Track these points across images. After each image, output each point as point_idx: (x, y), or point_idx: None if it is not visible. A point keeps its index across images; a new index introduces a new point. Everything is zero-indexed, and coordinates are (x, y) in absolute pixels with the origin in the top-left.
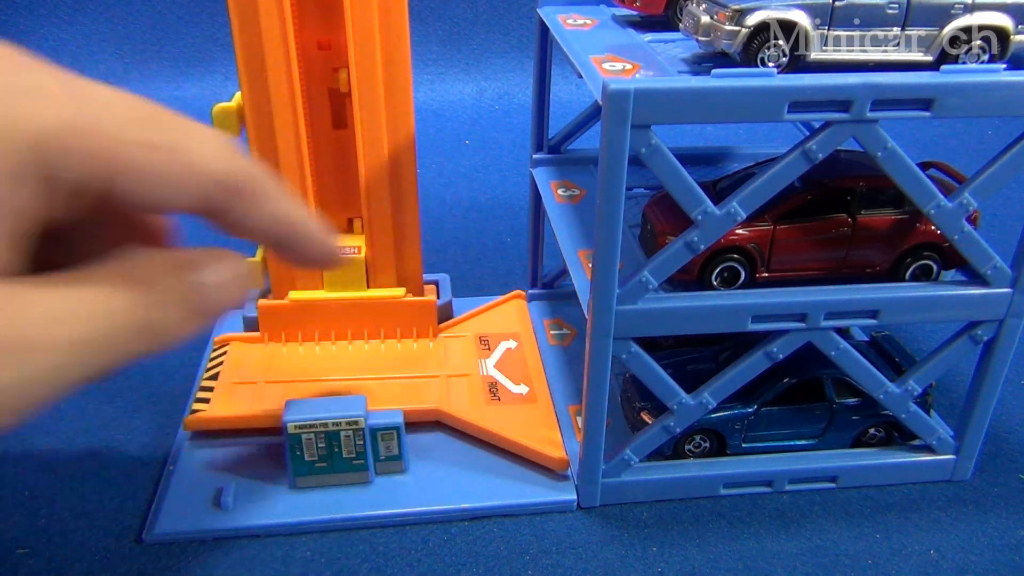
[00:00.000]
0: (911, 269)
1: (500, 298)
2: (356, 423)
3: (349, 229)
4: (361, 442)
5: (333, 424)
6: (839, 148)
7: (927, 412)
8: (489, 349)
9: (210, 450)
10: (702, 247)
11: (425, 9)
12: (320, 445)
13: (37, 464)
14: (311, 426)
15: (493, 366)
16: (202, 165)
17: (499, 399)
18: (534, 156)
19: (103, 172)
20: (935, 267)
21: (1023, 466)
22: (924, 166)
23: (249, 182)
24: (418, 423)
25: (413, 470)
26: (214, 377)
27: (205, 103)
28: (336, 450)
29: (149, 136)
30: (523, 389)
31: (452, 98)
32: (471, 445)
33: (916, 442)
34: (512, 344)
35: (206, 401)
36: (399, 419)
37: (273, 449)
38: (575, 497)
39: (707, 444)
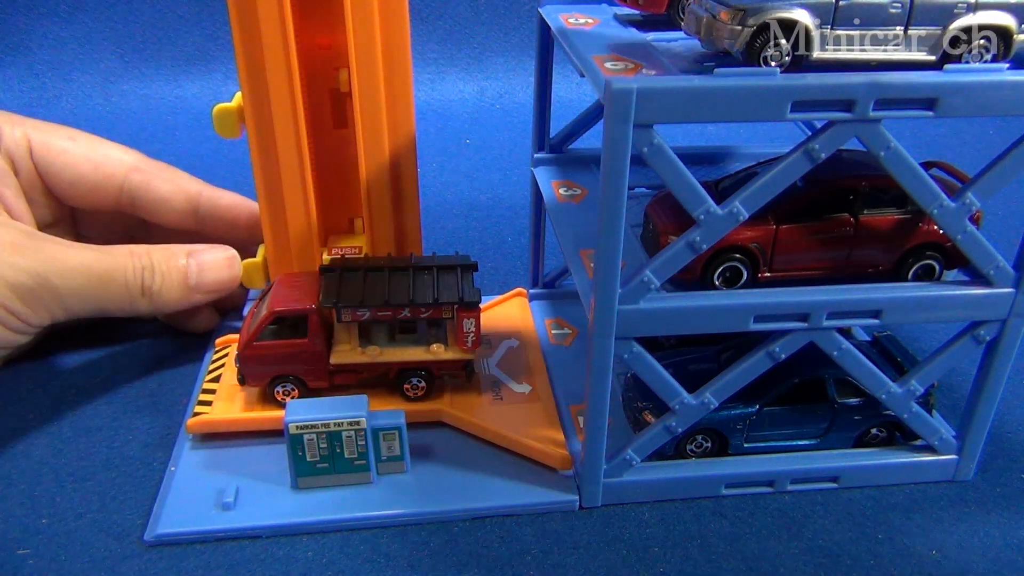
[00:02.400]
0: (914, 269)
1: (501, 296)
2: (358, 423)
3: (350, 229)
4: (363, 442)
5: (335, 424)
6: (841, 148)
7: (929, 412)
8: (491, 348)
9: (211, 451)
10: (704, 247)
11: (426, 8)
12: (322, 445)
13: (38, 464)
14: (312, 426)
15: (495, 365)
16: (118, 154)
17: (501, 398)
18: (535, 155)
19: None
20: (937, 267)
21: None
22: (927, 166)
23: (145, 162)
24: (420, 423)
25: (415, 470)
26: (216, 379)
27: (205, 102)
28: (338, 450)
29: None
30: (525, 388)
31: (453, 97)
32: (473, 445)
33: (918, 442)
34: (514, 343)
35: (208, 404)
36: (401, 419)
37: (275, 450)
38: (577, 497)
39: (709, 444)
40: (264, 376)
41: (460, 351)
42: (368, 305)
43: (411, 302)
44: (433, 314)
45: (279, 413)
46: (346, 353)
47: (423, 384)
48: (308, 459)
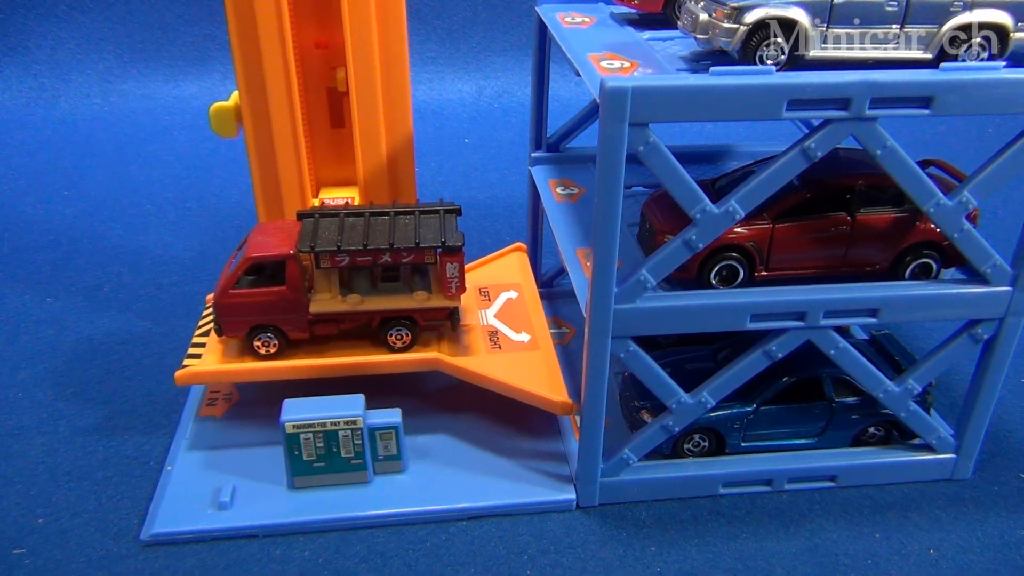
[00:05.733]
0: (911, 267)
1: (500, 251)
2: (354, 422)
3: None
4: (359, 442)
5: (331, 424)
6: (838, 146)
7: (927, 411)
8: (489, 300)
9: (208, 450)
10: (701, 246)
11: (424, 7)
12: (318, 445)
13: (34, 464)
14: (309, 426)
15: (493, 316)
16: None
17: (500, 347)
18: (533, 154)
19: None
20: (935, 265)
21: (1023, 465)
22: (923, 164)
23: None
24: (422, 423)
25: (412, 470)
26: (206, 334)
27: (203, 102)
28: (334, 450)
29: None
30: (524, 337)
31: (451, 96)
32: (470, 445)
33: (916, 441)
34: (513, 294)
35: (198, 357)
36: (397, 419)
37: (271, 449)
38: (574, 497)
39: (706, 443)
40: (241, 326)
41: (444, 298)
42: (347, 249)
43: (391, 246)
44: (415, 259)
45: (269, 364)
46: (326, 302)
47: (408, 334)
48: (305, 458)
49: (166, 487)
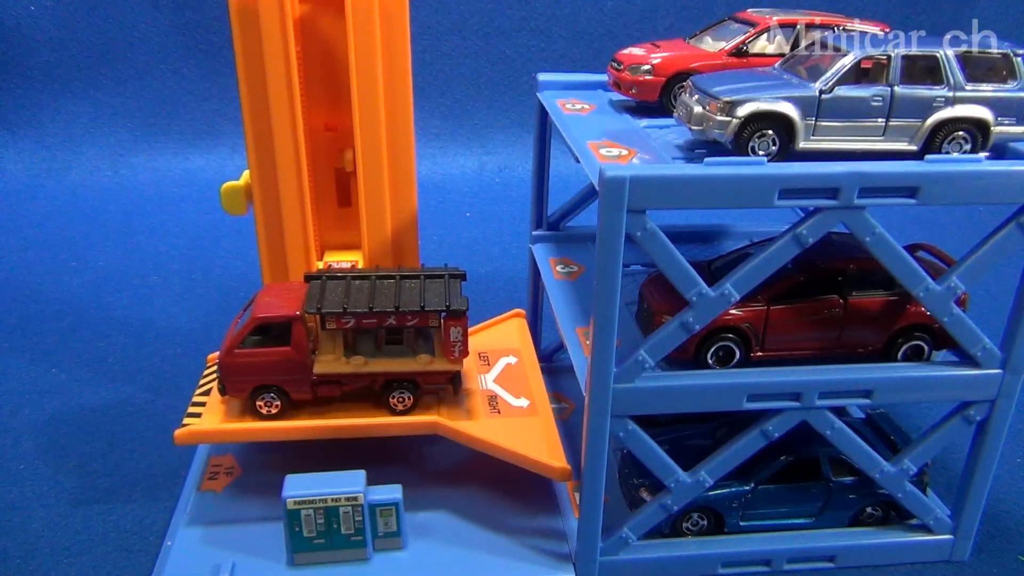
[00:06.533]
0: (903, 349)
1: (499, 316)
2: (355, 499)
3: None
4: (360, 518)
5: (332, 500)
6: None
7: (923, 491)
8: (488, 364)
9: (208, 526)
10: (697, 327)
11: (428, 86)
12: (319, 521)
13: (35, 538)
14: (311, 502)
15: (493, 380)
16: None
17: (499, 412)
18: (533, 233)
19: None
20: (926, 348)
21: (1021, 547)
22: (912, 248)
23: None
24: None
25: (411, 547)
26: (206, 393)
27: (212, 174)
28: (335, 526)
29: None
30: (523, 402)
31: (454, 171)
32: (469, 521)
33: (914, 521)
34: (512, 360)
35: (197, 416)
36: (398, 495)
37: (272, 526)
38: None
39: (705, 522)
40: (245, 386)
41: (447, 362)
42: (353, 312)
43: (396, 309)
44: (419, 322)
45: (268, 424)
46: (330, 363)
47: (410, 396)
48: (305, 535)
49: (165, 563)
